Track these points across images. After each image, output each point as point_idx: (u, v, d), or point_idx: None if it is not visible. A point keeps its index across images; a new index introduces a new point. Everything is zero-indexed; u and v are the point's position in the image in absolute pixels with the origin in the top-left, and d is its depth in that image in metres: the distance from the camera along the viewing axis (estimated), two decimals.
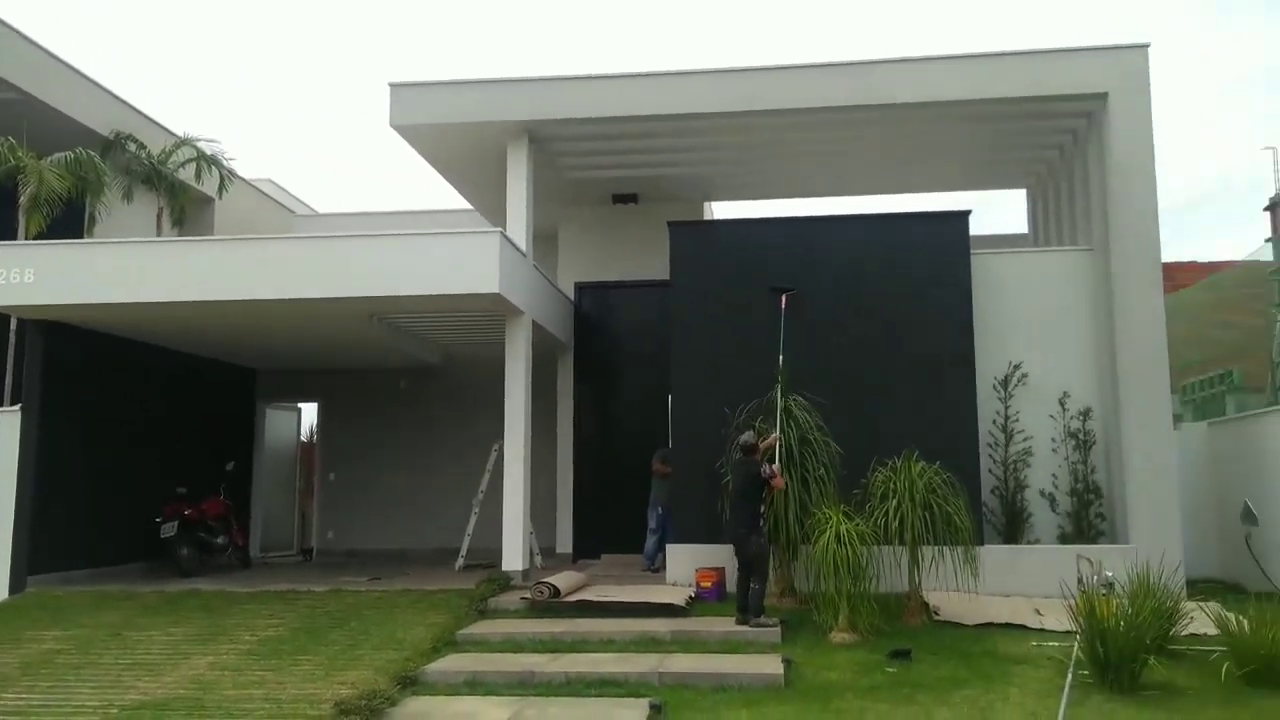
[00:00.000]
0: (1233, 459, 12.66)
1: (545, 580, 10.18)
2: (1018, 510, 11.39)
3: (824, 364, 11.02)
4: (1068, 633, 8.40)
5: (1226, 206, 45.22)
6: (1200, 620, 8.56)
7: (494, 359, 12.19)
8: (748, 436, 9.71)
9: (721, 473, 10.47)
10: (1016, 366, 11.63)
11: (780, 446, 10.08)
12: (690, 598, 10.15)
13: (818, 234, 11.78)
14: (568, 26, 56.34)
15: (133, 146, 14.45)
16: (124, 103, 14.71)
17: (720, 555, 10.43)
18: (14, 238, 12.59)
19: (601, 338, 14.73)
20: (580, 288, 14.81)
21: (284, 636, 9.21)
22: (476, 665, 8.22)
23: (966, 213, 11.58)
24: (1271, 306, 14.58)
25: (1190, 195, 42.98)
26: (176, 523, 13.00)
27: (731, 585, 10.03)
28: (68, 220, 13.00)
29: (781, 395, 10.43)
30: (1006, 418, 11.57)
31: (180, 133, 15.44)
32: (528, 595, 10.08)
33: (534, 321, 12.20)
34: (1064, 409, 11.56)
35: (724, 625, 9.19)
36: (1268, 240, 15.98)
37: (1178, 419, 13.49)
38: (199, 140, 15.35)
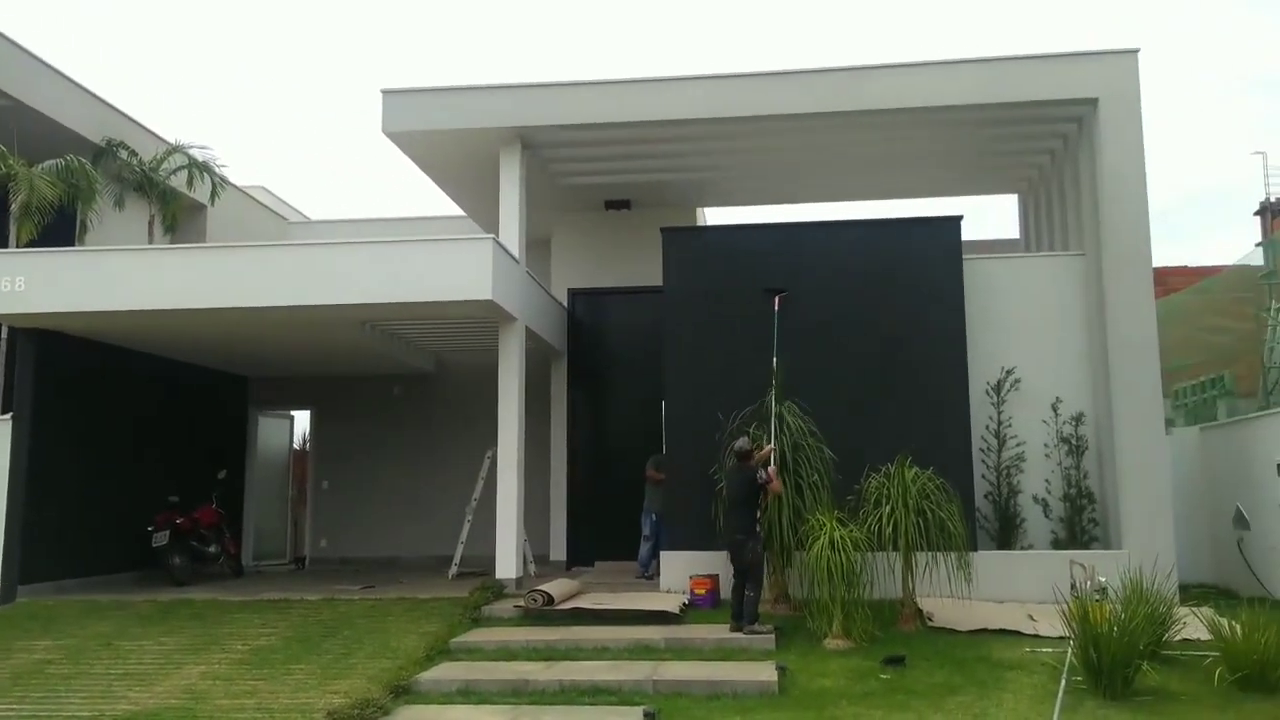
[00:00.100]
0: (1225, 463, 12.69)
1: (539, 588, 10.16)
2: (1011, 516, 11.41)
3: (817, 370, 11.02)
4: (1061, 638, 8.41)
5: (1217, 210, 45.41)
6: (1193, 625, 8.61)
7: (487, 366, 12.19)
8: (743, 443, 9.71)
9: (716, 479, 10.46)
10: (1009, 372, 11.66)
11: (775, 453, 10.08)
12: (684, 605, 10.13)
13: (810, 240, 11.78)
14: (560, 33, 56.44)
15: (124, 153, 14.41)
16: (115, 109, 14.68)
17: (714, 562, 10.43)
18: (5, 245, 12.58)
19: (595, 344, 14.71)
20: (573, 294, 14.80)
21: (276, 645, 9.19)
22: (470, 673, 8.20)
23: (959, 218, 11.60)
24: (1262, 311, 14.60)
25: (1181, 198, 43.17)
26: (168, 531, 12.95)
27: (726, 592, 10.02)
28: (59, 228, 12.99)
29: (775, 401, 10.44)
30: (999, 423, 11.59)
31: (172, 139, 15.43)
32: (521, 603, 10.06)
33: (527, 328, 12.21)
34: (1056, 414, 11.58)
35: (718, 632, 9.18)
36: (1258, 244, 16.02)
37: (1170, 424, 13.49)
38: (191, 147, 15.33)
